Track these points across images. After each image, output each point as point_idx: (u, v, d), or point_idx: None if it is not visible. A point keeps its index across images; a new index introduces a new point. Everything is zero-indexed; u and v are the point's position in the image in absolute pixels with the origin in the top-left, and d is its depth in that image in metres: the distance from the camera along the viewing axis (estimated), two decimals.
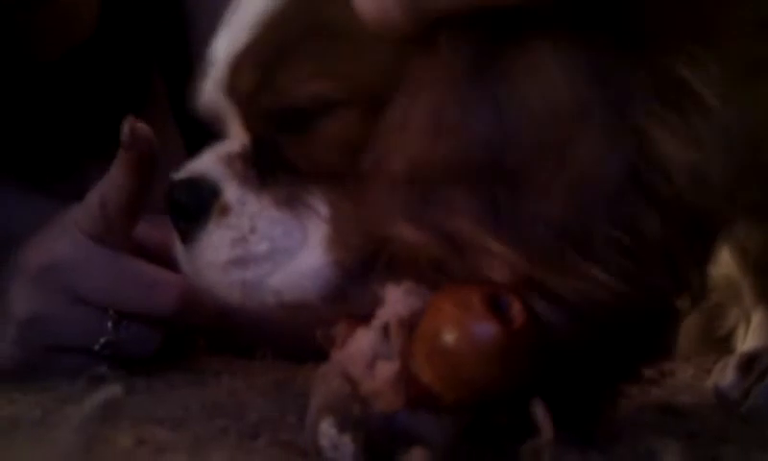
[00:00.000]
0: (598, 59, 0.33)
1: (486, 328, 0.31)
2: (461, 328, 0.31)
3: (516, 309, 0.32)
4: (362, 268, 0.37)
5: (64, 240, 0.53)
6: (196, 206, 0.40)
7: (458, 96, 0.33)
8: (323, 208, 0.38)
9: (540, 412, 0.31)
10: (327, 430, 0.32)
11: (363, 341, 0.35)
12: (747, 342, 0.59)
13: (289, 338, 0.65)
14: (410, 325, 0.34)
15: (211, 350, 0.66)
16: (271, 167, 0.39)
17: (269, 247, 0.38)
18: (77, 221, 0.54)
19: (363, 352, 0.34)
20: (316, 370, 0.58)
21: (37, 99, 0.66)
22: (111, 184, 0.53)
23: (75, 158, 0.68)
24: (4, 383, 0.45)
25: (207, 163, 0.40)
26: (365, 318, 0.45)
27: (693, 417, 0.43)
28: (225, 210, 0.39)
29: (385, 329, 0.35)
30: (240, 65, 0.39)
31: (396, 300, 0.35)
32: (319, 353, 0.62)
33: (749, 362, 0.51)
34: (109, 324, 0.52)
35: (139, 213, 0.55)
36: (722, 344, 0.67)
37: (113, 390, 0.29)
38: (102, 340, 0.52)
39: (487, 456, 0.32)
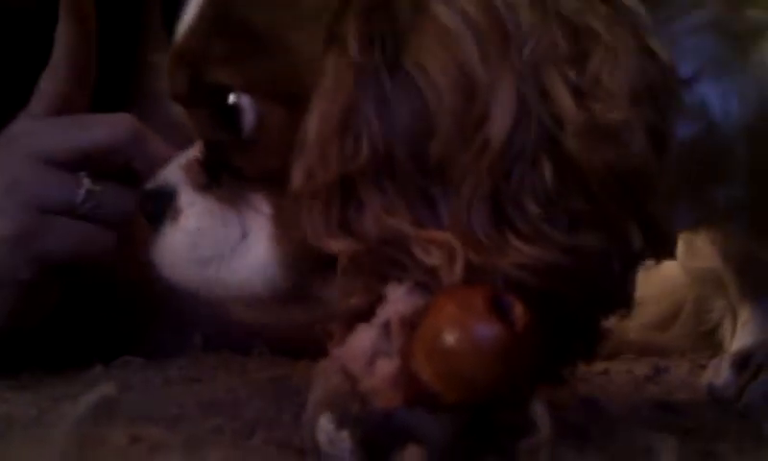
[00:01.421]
0: (506, 24, 0.33)
1: (488, 330, 0.31)
2: (462, 329, 0.31)
3: (519, 311, 0.32)
4: (308, 265, 0.39)
5: (21, 121, 0.54)
6: (158, 213, 0.42)
7: (369, 93, 0.34)
8: (265, 208, 0.39)
9: (538, 410, 0.31)
10: (325, 426, 0.32)
11: (363, 338, 0.35)
12: (737, 339, 0.60)
13: (285, 335, 0.65)
14: (411, 323, 0.34)
15: (207, 347, 0.66)
16: (218, 170, 0.41)
17: (214, 246, 0.40)
18: (30, 109, 0.55)
19: (363, 349, 0.34)
20: (312, 367, 0.59)
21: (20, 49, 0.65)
22: (58, 55, 0.54)
23: None
24: (37, 381, 0.44)
25: (170, 170, 0.43)
26: (362, 315, 0.46)
27: (689, 413, 0.44)
28: (177, 214, 0.41)
29: (386, 327, 0.35)
30: (174, 70, 0.41)
31: (397, 298, 0.35)
32: (315, 350, 0.62)
33: (743, 360, 0.51)
34: (85, 179, 0.53)
35: (89, 83, 0.56)
36: (710, 337, 0.68)
37: (107, 388, 0.29)
38: (81, 192, 0.52)
39: (485, 454, 0.32)
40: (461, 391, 0.32)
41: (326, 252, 0.36)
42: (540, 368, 0.34)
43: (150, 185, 0.44)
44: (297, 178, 0.36)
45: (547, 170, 0.32)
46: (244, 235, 0.40)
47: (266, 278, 0.39)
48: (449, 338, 0.32)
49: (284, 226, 0.39)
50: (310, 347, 0.60)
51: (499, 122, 0.32)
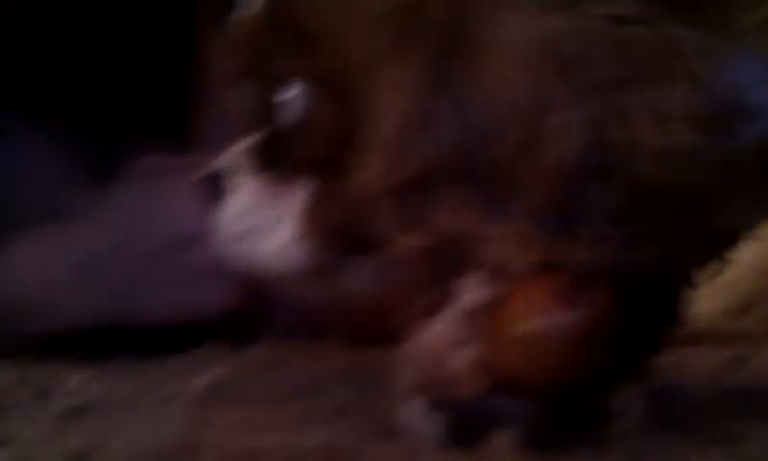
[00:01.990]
0: (586, 46, 0.33)
1: (569, 316, 0.32)
2: (546, 316, 0.32)
3: (601, 298, 0.32)
4: (334, 251, 0.41)
5: None
6: (216, 193, 0.46)
7: (446, 98, 0.35)
8: (307, 192, 0.42)
9: (628, 397, 0.32)
10: (418, 410, 0.33)
11: (444, 326, 0.36)
12: None
13: (355, 324, 0.67)
14: (491, 312, 0.35)
15: (282, 335, 0.68)
16: (270, 156, 0.44)
17: (257, 222, 0.44)
18: None
19: (445, 338, 0.35)
20: (385, 354, 0.60)
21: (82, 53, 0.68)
22: None
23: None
24: (126, 363, 0.47)
25: (228, 155, 0.46)
26: (439, 304, 0.47)
27: None
28: (231, 192, 0.45)
29: (465, 316, 0.36)
30: (235, 56, 0.43)
31: (473, 288, 0.36)
32: (383, 338, 0.64)
33: None
34: None
35: None
36: None
37: (219, 372, 0.31)
38: None
39: (569, 440, 0.32)
40: (543, 377, 0.32)
41: (371, 242, 0.38)
42: (623, 355, 0.34)
43: (210, 168, 0.47)
44: (372, 174, 0.37)
45: (619, 190, 0.33)
46: (281, 216, 0.43)
47: (295, 257, 0.43)
48: (531, 325, 0.32)
49: (319, 209, 0.41)
50: (380, 335, 0.62)
51: (574, 139, 0.33)
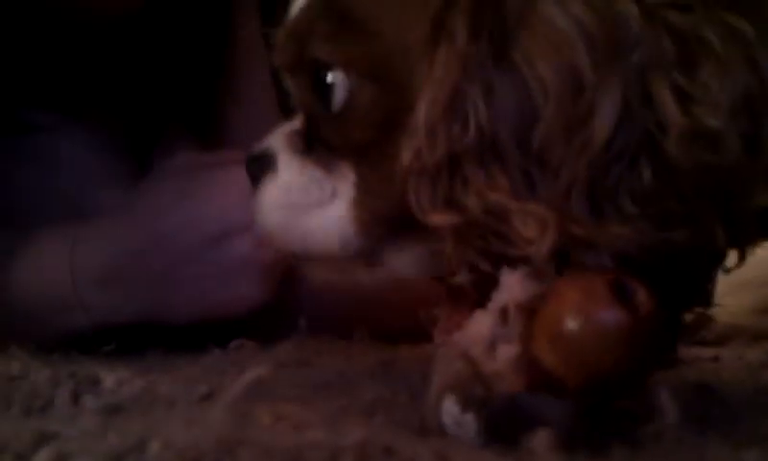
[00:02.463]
0: (617, 31, 0.35)
1: (611, 315, 0.32)
2: (586, 315, 0.32)
3: (642, 296, 0.32)
4: (380, 232, 0.43)
5: None
6: (261, 173, 0.48)
7: (476, 81, 0.36)
8: (351, 175, 0.43)
9: (662, 396, 0.32)
10: (451, 409, 0.33)
11: (481, 324, 0.36)
12: None
13: (385, 321, 0.67)
14: (529, 309, 0.35)
15: (310, 332, 0.68)
16: (313, 140, 0.45)
17: (304, 198, 0.45)
18: None
19: (482, 335, 0.35)
20: (416, 351, 0.60)
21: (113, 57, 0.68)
22: None
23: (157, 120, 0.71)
24: (159, 360, 0.48)
25: (273, 138, 0.48)
26: (467, 300, 0.48)
27: None
28: (276, 171, 0.47)
29: (503, 313, 0.36)
30: (283, 44, 0.45)
31: (513, 284, 0.36)
32: (414, 335, 0.64)
33: None
34: None
35: None
36: None
37: (260, 370, 0.31)
38: None
39: (608, 439, 0.32)
40: (584, 376, 0.32)
41: (412, 223, 0.39)
42: (662, 353, 0.34)
43: (255, 150, 0.49)
44: (406, 157, 0.39)
45: (646, 171, 0.34)
46: (329, 195, 0.44)
47: (342, 236, 0.44)
48: (572, 324, 0.32)
49: (365, 194, 0.43)
50: (409, 332, 0.63)
51: (603, 121, 0.34)
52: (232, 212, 0.63)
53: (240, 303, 0.64)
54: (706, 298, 0.40)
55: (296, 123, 0.47)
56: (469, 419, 0.33)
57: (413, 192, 0.38)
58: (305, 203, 0.45)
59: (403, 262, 0.45)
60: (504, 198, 0.36)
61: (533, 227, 0.35)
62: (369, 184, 0.42)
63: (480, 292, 0.44)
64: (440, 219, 0.38)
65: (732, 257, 0.39)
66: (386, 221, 0.42)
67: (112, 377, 0.37)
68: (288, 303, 0.66)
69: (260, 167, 0.48)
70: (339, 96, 0.42)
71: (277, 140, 0.48)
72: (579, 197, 0.35)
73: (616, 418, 0.33)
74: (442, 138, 0.37)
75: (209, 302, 0.64)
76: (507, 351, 0.34)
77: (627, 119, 0.34)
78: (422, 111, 0.38)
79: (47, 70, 0.67)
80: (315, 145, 0.45)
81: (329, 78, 0.42)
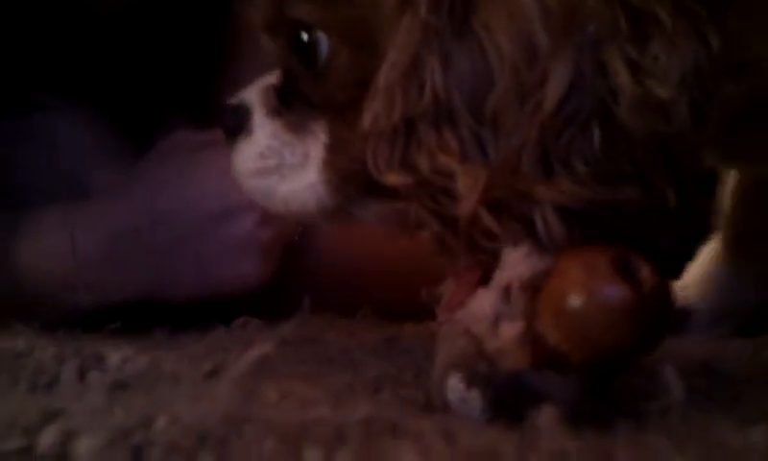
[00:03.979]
0: (573, 4, 0.36)
1: (615, 291, 0.32)
2: (590, 291, 0.32)
3: (646, 273, 0.32)
4: (351, 190, 0.44)
5: None
6: (235, 127, 0.49)
7: (435, 49, 0.38)
8: (322, 136, 0.45)
9: (668, 373, 0.32)
10: (456, 386, 0.33)
11: (485, 301, 0.36)
12: None
13: (388, 298, 0.67)
14: (533, 286, 0.35)
15: (313, 310, 0.68)
16: (289, 98, 0.47)
17: (277, 162, 0.46)
18: None
19: (486, 312, 0.35)
20: (417, 328, 0.60)
21: (111, 47, 0.68)
22: None
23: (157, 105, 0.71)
24: (162, 338, 0.48)
25: (250, 92, 0.49)
26: (471, 277, 0.48)
27: None
28: (251, 130, 0.48)
29: (506, 290, 0.36)
30: (263, 3, 0.46)
31: (516, 261, 0.36)
32: (417, 312, 0.64)
33: None
34: None
35: None
36: None
37: (265, 348, 0.31)
38: None
39: (612, 416, 0.32)
40: (588, 352, 0.32)
41: (378, 182, 0.41)
42: (666, 329, 0.34)
43: (231, 101, 0.50)
44: (366, 119, 0.40)
45: (597, 135, 0.36)
46: (301, 159, 0.46)
47: (315, 196, 0.46)
48: (576, 300, 0.32)
49: (336, 153, 0.44)
50: (412, 309, 0.63)
51: (555, 87, 0.36)
52: (233, 190, 0.62)
53: (242, 280, 0.64)
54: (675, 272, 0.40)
55: (272, 77, 0.48)
56: (474, 396, 0.33)
57: (371, 152, 0.40)
58: (279, 166, 0.46)
59: (374, 219, 0.46)
60: (451, 159, 0.38)
61: (469, 182, 0.37)
62: (340, 144, 0.44)
63: (486, 269, 0.45)
64: (394, 179, 0.39)
65: None
66: (356, 181, 0.43)
67: (117, 354, 0.37)
68: (291, 281, 0.66)
69: (236, 120, 0.49)
70: (317, 56, 0.43)
71: (254, 94, 0.48)
72: (529, 159, 0.36)
73: (621, 395, 0.33)
74: (398, 102, 0.39)
75: (211, 279, 0.64)
76: (511, 329, 0.34)
77: (579, 86, 0.36)
78: (383, 75, 0.40)
79: (46, 51, 0.66)
80: (290, 101, 0.46)
81: (308, 38, 0.43)
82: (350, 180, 0.44)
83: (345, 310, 0.68)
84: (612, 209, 0.36)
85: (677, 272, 0.40)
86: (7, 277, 0.58)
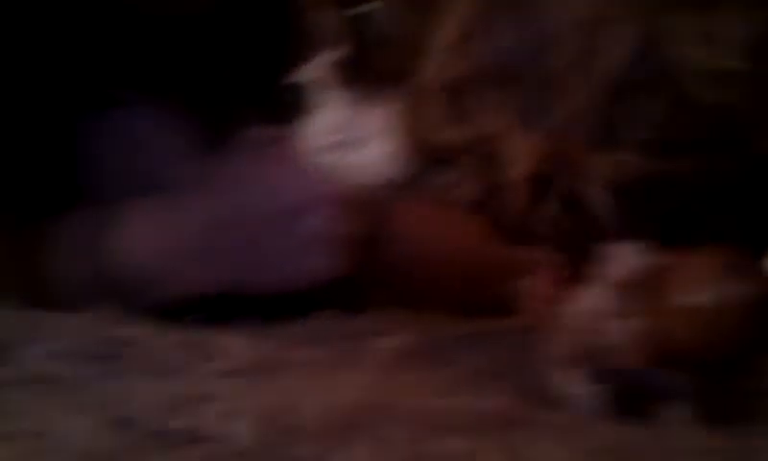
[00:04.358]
0: None
1: (746, 289, 0.32)
2: (719, 289, 0.32)
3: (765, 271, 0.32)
4: (423, 158, 0.45)
5: None
6: (301, 105, 0.50)
7: (503, 8, 0.39)
8: (393, 105, 0.45)
9: None
10: (576, 380, 0.34)
11: (596, 297, 0.36)
12: None
13: (459, 293, 0.68)
14: (647, 283, 0.35)
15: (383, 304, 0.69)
16: (356, 71, 0.47)
17: (349, 135, 0.47)
18: None
19: (598, 308, 0.36)
20: (499, 323, 0.61)
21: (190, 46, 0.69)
22: None
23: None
24: (306, 333, 0.49)
25: (314, 69, 0.49)
26: (556, 272, 0.49)
27: None
28: (319, 105, 0.49)
29: (620, 286, 0.36)
30: None
31: (625, 258, 0.37)
32: (489, 308, 0.64)
33: None
34: None
35: None
36: None
37: (400, 338, 0.32)
38: None
39: (739, 412, 0.33)
40: (713, 349, 0.33)
41: (440, 143, 0.42)
42: None
43: (295, 79, 0.50)
44: (428, 73, 0.41)
45: (661, 103, 0.37)
46: (374, 129, 0.46)
47: (389, 166, 0.46)
48: (703, 297, 0.33)
49: (408, 122, 0.45)
50: (486, 305, 0.63)
51: (622, 52, 0.37)
52: (309, 185, 0.64)
53: (316, 274, 0.65)
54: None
55: (336, 53, 0.48)
56: (595, 391, 0.34)
57: (428, 108, 0.41)
58: (350, 140, 0.47)
59: (443, 191, 0.46)
60: (508, 122, 0.38)
61: (523, 149, 0.37)
62: (411, 113, 0.44)
63: (574, 264, 0.45)
64: (448, 136, 0.40)
65: None
66: (428, 146, 0.44)
67: (235, 343, 0.39)
68: (365, 275, 0.67)
69: (302, 98, 0.50)
70: (386, 24, 0.44)
71: (319, 70, 0.49)
72: (590, 122, 0.37)
73: (739, 391, 0.34)
74: (465, 59, 0.40)
75: (286, 273, 0.65)
76: (628, 325, 0.35)
77: (647, 53, 0.36)
78: (446, 32, 0.40)
79: (125, 48, 0.68)
80: (357, 74, 0.47)
81: (374, 6, 0.44)
82: (423, 146, 0.44)
83: (416, 306, 0.69)
84: (666, 185, 0.36)
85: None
86: (95, 269, 0.60)
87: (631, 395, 0.33)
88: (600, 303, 0.36)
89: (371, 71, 0.46)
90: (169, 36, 0.69)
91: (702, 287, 0.33)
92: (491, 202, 0.40)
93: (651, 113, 0.36)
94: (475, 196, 0.42)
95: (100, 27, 0.66)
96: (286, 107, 0.51)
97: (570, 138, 0.37)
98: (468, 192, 0.42)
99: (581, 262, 0.45)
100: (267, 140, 0.68)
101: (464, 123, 0.40)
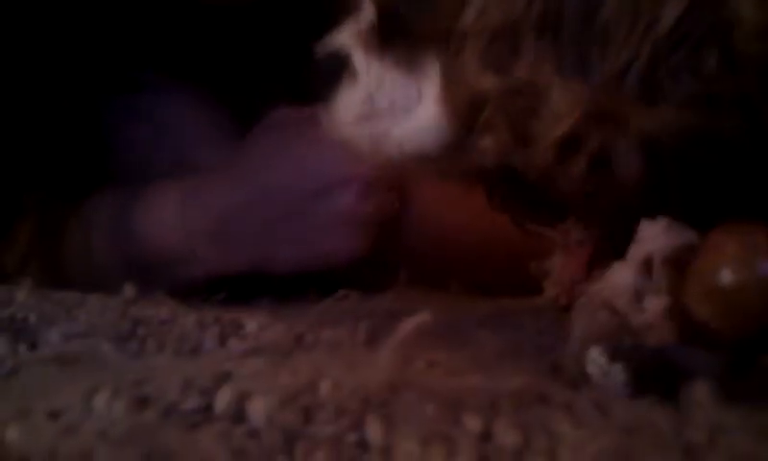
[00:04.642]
0: None
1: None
2: (747, 267, 0.32)
3: None
4: (471, 120, 0.41)
5: None
6: (331, 73, 0.46)
7: None
8: (434, 69, 0.42)
9: None
10: (598, 359, 0.33)
11: (624, 275, 0.36)
12: None
13: (481, 272, 0.67)
14: (677, 261, 0.34)
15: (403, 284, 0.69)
16: (391, 35, 0.44)
17: (390, 104, 0.44)
18: None
19: (626, 287, 0.35)
20: (524, 302, 0.60)
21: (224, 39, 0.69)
22: None
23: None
24: (329, 312, 0.49)
25: (344, 36, 0.46)
26: (581, 252, 0.48)
27: None
28: (353, 75, 0.45)
29: (647, 264, 0.35)
30: None
31: (654, 236, 0.36)
32: (510, 287, 0.64)
33: None
34: None
35: None
36: None
37: (420, 318, 0.32)
38: None
39: (762, 391, 0.32)
40: (741, 329, 0.32)
41: (476, 95, 0.39)
42: None
43: (325, 48, 0.47)
44: (469, 15, 0.39)
45: (711, 56, 0.35)
46: (415, 96, 0.43)
47: (433, 134, 0.43)
48: (733, 276, 0.32)
49: (451, 84, 0.42)
50: (509, 284, 0.63)
51: (673, 6, 0.35)
52: (333, 165, 0.63)
53: (341, 253, 0.65)
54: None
55: (367, 16, 0.45)
56: (617, 369, 0.33)
57: (468, 52, 0.38)
58: (391, 108, 0.44)
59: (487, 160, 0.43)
60: (549, 72, 0.36)
61: (565, 102, 0.36)
62: (455, 74, 0.41)
63: (597, 244, 0.44)
64: (486, 82, 0.38)
65: None
66: (474, 106, 0.40)
67: (254, 322, 0.39)
68: (387, 255, 0.67)
69: (333, 67, 0.46)
70: None
71: (350, 37, 0.46)
72: (635, 77, 0.35)
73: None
74: (508, 2, 0.37)
75: (311, 252, 0.65)
76: (656, 303, 0.34)
77: (698, 8, 0.35)
78: None
79: (158, 32, 0.68)
80: (392, 39, 0.44)
81: None
82: (470, 110, 0.41)
83: (438, 285, 0.69)
84: (706, 144, 0.35)
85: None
86: (123, 248, 0.61)
87: (652, 373, 0.32)
88: (625, 280, 0.35)
89: (409, 34, 0.43)
90: (199, 19, 0.69)
91: (737, 264, 0.32)
92: (518, 162, 0.38)
93: (700, 66, 0.35)
94: (504, 157, 0.39)
95: (131, 10, 0.66)
96: (319, 79, 0.48)
97: (613, 93, 0.35)
98: (498, 152, 0.39)
99: (607, 240, 0.44)
100: (294, 119, 0.68)
101: (501, 73, 0.38)
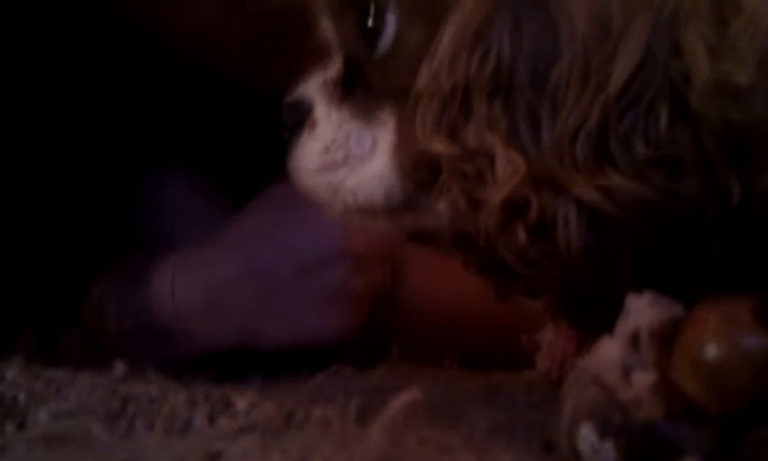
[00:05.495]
0: None
1: (757, 341, 0.32)
2: (730, 341, 0.32)
3: None
4: (422, 177, 0.42)
5: None
6: (295, 123, 0.47)
7: (505, 15, 0.37)
8: (391, 121, 0.43)
9: None
10: (588, 436, 0.33)
11: (612, 350, 0.36)
12: None
13: (475, 346, 0.67)
14: (663, 335, 0.35)
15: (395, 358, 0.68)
16: (353, 85, 0.45)
17: (345, 154, 0.45)
18: None
19: (614, 361, 0.35)
20: (512, 377, 0.60)
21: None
22: None
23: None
24: (321, 388, 0.49)
25: (308, 86, 0.48)
26: (572, 327, 0.48)
27: None
28: (314, 125, 0.46)
29: (634, 339, 0.36)
30: None
31: (641, 309, 0.36)
32: (502, 361, 0.63)
33: None
34: None
35: None
36: None
37: (412, 394, 0.32)
38: None
39: None
40: (728, 403, 0.32)
41: (427, 158, 0.39)
42: None
43: (290, 98, 0.48)
44: (422, 79, 0.39)
45: (663, 117, 0.34)
46: (370, 147, 0.44)
47: (384, 185, 0.43)
48: (717, 351, 0.32)
49: (405, 139, 0.42)
50: (502, 357, 0.62)
51: (623, 65, 0.34)
52: (325, 241, 0.64)
53: (334, 330, 0.65)
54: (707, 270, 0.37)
55: (332, 70, 0.46)
56: (608, 446, 0.33)
57: (421, 114, 0.39)
58: (346, 159, 0.44)
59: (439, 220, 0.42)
60: (497, 139, 0.36)
61: (508, 167, 0.35)
62: (409, 129, 0.41)
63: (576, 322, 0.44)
64: (439, 146, 0.38)
65: None
66: (427, 166, 0.41)
67: (244, 400, 0.38)
68: (379, 330, 0.67)
69: (296, 116, 0.47)
70: (387, 37, 0.42)
71: (313, 87, 0.47)
72: (586, 139, 0.35)
73: (760, 445, 0.33)
74: (460, 65, 0.37)
75: (303, 329, 0.65)
76: (644, 378, 0.34)
77: (649, 66, 0.34)
78: (447, 37, 0.38)
79: (166, 118, 0.70)
80: (353, 90, 0.45)
81: (375, 20, 0.42)
82: (421, 165, 0.41)
83: (431, 359, 0.68)
84: (660, 212, 0.34)
85: (722, 284, 0.36)
86: (125, 318, 0.61)
87: (642, 449, 0.32)
88: (612, 355, 0.36)
89: (369, 86, 0.44)
90: (199, 109, 0.71)
91: (721, 339, 0.32)
92: (471, 228, 0.37)
93: (651, 127, 0.34)
94: (459, 222, 0.39)
95: (159, 102, 0.68)
96: (284, 129, 0.48)
97: (559, 158, 0.35)
98: (452, 217, 0.39)
99: (563, 313, 0.43)
100: (287, 195, 0.69)
101: (452, 136, 0.37)
